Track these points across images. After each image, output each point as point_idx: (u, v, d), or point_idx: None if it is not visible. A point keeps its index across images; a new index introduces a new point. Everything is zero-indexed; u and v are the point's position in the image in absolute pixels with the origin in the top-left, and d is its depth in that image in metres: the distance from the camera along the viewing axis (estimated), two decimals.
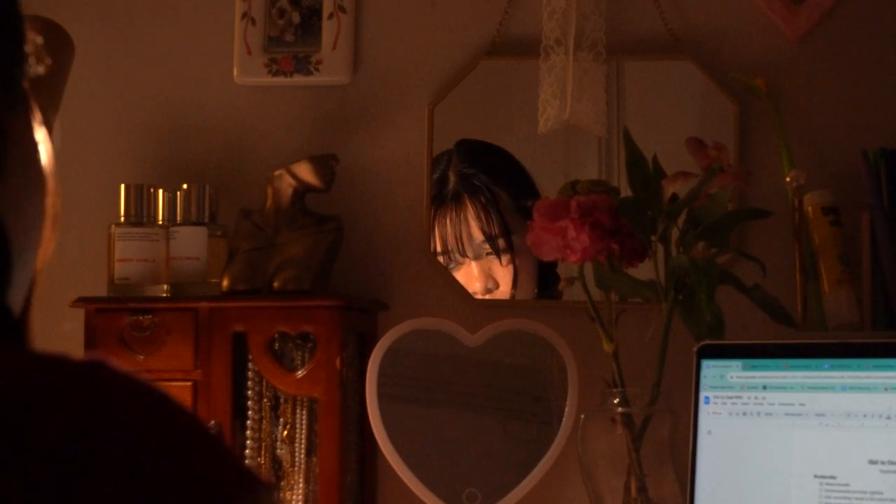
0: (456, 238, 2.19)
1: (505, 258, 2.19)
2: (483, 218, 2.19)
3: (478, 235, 2.19)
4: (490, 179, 2.21)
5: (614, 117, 2.18)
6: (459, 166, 2.21)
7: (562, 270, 2.17)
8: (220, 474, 0.59)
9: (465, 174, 2.21)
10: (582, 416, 1.94)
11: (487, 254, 2.19)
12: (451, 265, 2.21)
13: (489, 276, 2.19)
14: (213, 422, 2.06)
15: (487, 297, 2.20)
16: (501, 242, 2.19)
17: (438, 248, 2.21)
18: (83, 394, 0.58)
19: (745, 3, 2.17)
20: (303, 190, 2.14)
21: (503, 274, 2.20)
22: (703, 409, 1.82)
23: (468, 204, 2.20)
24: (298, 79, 2.26)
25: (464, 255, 2.19)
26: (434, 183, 2.21)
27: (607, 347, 1.88)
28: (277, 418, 2.09)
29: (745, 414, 1.80)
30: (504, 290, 2.19)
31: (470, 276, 2.20)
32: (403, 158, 2.24)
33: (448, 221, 2.20)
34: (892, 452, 1.70)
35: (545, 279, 2.19)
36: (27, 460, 0.54)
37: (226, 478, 0.59)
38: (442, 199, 2.21)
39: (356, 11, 2.27)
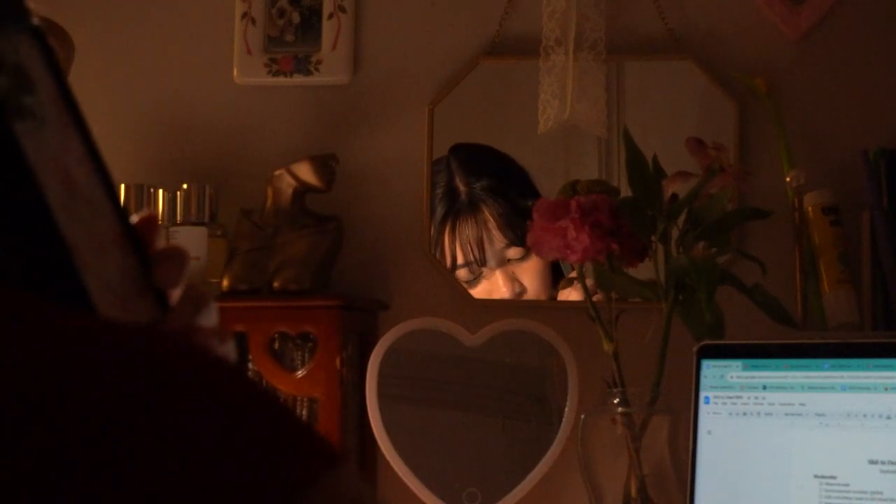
0: (478, 247, 2.19)
1: (531, 258, 2.18)
2: (504, 222, 2.19)
3: (500, 240, 2.18)
4: (497, 182, 2.20)
5: (614, 117, 2.18)
6: (466, 177, 2.21)
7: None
8: (292, 448, 0.58)
9: (474, 183, 2.20)
10: (582, 416, 1.94)
11: (509, 260, 2.19)
12: (473, 278, 2.20)
13: (515, 281, 2.19)
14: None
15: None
16: (519, 248, 2.18)
17: (460, 261, 2.20)
18: (148, 363, 0.58)
19: (745, 3, 2.17)
20: (303, 190, 2.14)
21: (528, 276, 2.19)
22: (703, 409, 1.82)
23: (485, 212, 2.19)
24: (298, 79, 2.26)
25: (484, 264, 2.18)
26: (443, 196, 2.21)
27: (607, 347, 1.88)
28: None
29: (745, 414, 1.80)
30: (532, 293, 2.19)
31: (496, 286, 2.19)
32: (403, 158, 2.24)
33: (469, 230, 2.19)
34: (892, 452, 1.70)
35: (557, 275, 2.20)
36: (85, 430, 0.54)
37: (298, 452, 0.58)
38: (457, 212, 2.20)
39: (356, 11, 2.27)
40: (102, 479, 0.53)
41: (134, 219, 0.74)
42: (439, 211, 2.21)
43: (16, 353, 0.56)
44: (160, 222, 2.22)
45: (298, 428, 0.59)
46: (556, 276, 2.20)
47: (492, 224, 2.19)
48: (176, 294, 0.76)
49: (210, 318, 0.79)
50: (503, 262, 2.19)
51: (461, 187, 2.20)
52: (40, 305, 0.61)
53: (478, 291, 2.20)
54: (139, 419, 0.55)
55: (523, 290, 2.19)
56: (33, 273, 0.65)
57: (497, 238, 2.18)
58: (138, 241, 0.72)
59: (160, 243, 0.77)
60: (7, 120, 0.65)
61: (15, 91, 0.67)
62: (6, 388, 0.54)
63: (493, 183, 2.20)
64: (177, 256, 0.76)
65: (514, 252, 2.18)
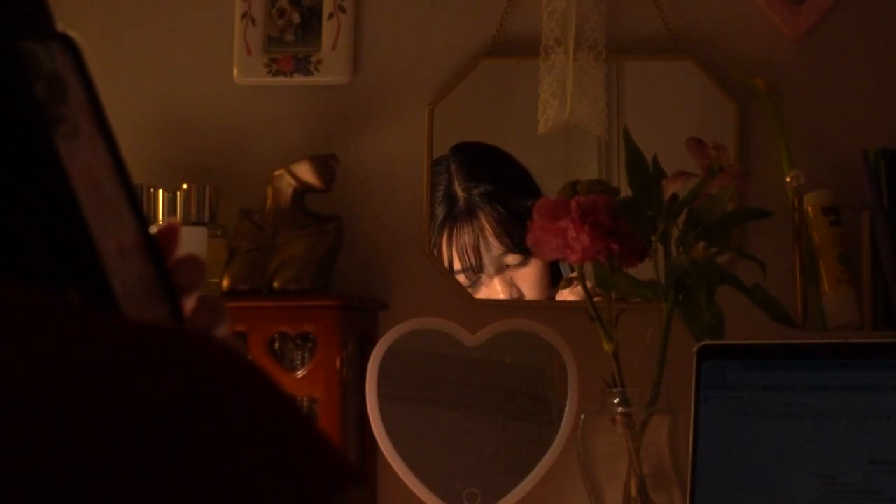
0: (474, 254, 2.18)
1: (529, 264, 2.18)
2: (501, 229, 2.18)
3: (496, 247, 2.18)
4: (496, 188, 2.20)
5: (614, 117, 2.18)
6: (465, 182, 2.21)
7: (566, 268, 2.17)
8: (313, 463, 0.59)
9: (473, 189, 2.20)
10: (582, 416, 1.94)
11: (507, 266, 2.19)
12: (471, 284, 2.20)
13: (513, 287, 2.19)
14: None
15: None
16: (517, 255, 2.18)
17: (457, 266, 2.20)
18: (184, 367, 0.58)
19: (745, 3, 2.17)
20: (303, 190, 2.14)
21: (526, 283, 2.19)
22: (703, 409, 1.82)
23: (482, 218, 2.19)
24: (298, 79, 2.26)
25: (481, 270, 2.18)
26: (442, 200, 2.20)
27: (607, 347, 1.88)
28: None
29: (745, 414, 1.80)
30: (530, 298, 2.19)
31: (493, 292, 2.19)
32: (403, 158, 2.24)
33: (465, 237, 2.19)
34: (892, 452, 1.70)
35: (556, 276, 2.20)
36: (121, 430, 0.55)
37: (317, 467, 0.59)
38: (455, 218, 2.20)
39: (356, 11, 2.27)
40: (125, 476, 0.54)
41: (154, 228, 0.75)
42: (439, 214, 2.21)
43: (59, 353, 0.57)
44: (160, 222, 2.22)
45: (320, 443, 0.60)
46: (553, 277, 2.20)
47: (488, 231, 2.19)
48: (189, 303, 0.77)
49: (225, 326, 0.79)
50: (501, 269, 2.19)
51: (459, 192, 2.20)
52: (76, 306, 0.62)
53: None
54: (173, 421, 0.56)
55: (521, 296, 2.19)
56: (66, 276, 0.67)
57: (494, 245, 2.18)
58: (158, 250, 0.73)
59: (180, 252, 0.78)
60: (46, 128, 0.66)
61: (52, 99, 0.68)
62: (50, 388, 0.55)
63: (491, 188, 2.20)
64: (194, 262, 0.77)
65: (512, 258, 2.18)
